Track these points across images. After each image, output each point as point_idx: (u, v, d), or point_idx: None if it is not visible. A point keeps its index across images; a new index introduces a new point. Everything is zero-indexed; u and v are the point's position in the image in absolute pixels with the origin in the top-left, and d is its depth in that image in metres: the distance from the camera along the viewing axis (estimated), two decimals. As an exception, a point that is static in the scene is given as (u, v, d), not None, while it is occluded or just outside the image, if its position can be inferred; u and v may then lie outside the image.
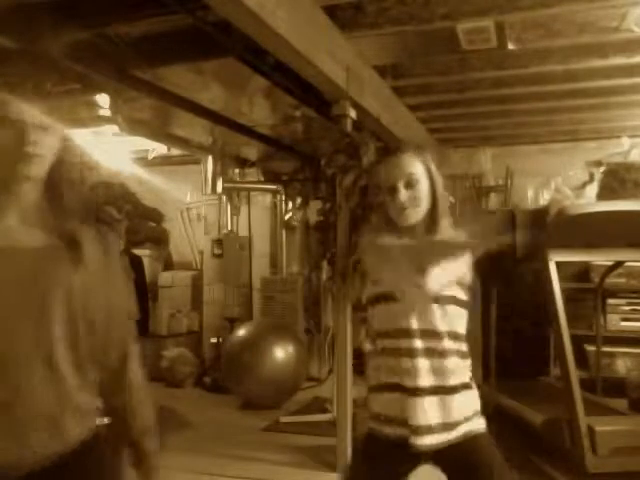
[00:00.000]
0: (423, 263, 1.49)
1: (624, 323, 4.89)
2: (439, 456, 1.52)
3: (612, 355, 4.70)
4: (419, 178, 1.58)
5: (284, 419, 4.36)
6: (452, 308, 1.55)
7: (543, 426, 3.34)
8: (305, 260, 6.02)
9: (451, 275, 1.54)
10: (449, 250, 1.56)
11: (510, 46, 3.38)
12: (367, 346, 1.65)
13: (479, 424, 1.57)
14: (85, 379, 1.17)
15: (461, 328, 1.59)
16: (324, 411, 4.31)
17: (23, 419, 1.07)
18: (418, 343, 1.52)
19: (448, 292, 1.54)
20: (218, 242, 6.14)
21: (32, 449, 1.07)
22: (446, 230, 1.59)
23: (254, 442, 3.89)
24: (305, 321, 5.78)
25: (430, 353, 1.52)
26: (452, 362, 1.54)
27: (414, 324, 1.53)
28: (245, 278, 6.26)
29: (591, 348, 4.45)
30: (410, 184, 1.57)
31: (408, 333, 1.53)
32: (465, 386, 1.57)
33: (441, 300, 1.53)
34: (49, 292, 1.10)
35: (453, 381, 1.53)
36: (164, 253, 6.55)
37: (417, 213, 1.58)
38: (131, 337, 1.29)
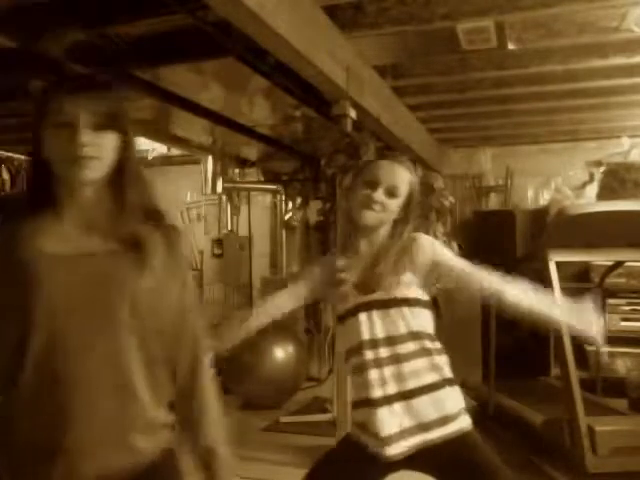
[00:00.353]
0: (375, 270, 1.54)
1: (624, 323, 4.89)
2: (420, 458, 1.50)
3: (612, 355, 4.70)
4: (400, 193, 1.61)
5: (284, 419, 4.36)
6: (410, 310, 1.55)
7: (543, 426, 3.34)
8: (305, 260, 6.02)
9: (406, 276, 1.55)
10: (398, 254, 1.57)
11: (510, 46, 3.38)
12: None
13: (464, 422, 1.55)
14: (157, 392, 1.12)
15: (424, 328, 1.57)
16: (324, 411, 4.31)
17: (93, 436, 1.03)
18: (380, 352, 1.52)
19: (405, 294, 1.55)
20: (218, 242, 6.14)
21: (101, 466, 1.04)
22: (403, 235, 1.62)
23: (254, 442, 3.89)
24: (305, 321, 5.78)
25: (393, 359, 1.52)
26: (418, 363, 1.53)
27: (373, 334, 1.53)
28: (245, 278, 6.26)
29: (591, 348, 4.45)
30: (390, 193, 1.59)
31: (370, 344, 1.53)
32: (439, 385, 1.54)
33: (399, 303, 1.54)
34: (116, 301, 1.06)
35: (422, 381, 1.52)
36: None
37: (377, 219, 1.60)
38: (202, 339, 1.23)
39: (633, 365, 4.69)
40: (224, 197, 6.30)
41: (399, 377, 1.51)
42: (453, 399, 1.56)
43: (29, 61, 3.02)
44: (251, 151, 5.96)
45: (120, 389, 1.06)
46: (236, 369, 4.66)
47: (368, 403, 1.52)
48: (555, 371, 4.36)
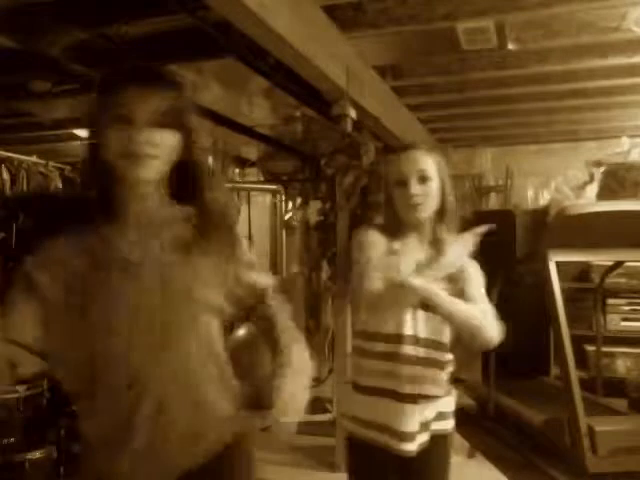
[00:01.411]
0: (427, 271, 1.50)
1: (624, 323, 4.89)
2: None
3: (612, 355, 4.70)
4: (431, 175, 1.56)
5: (284, 419, 4.36)
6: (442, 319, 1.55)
7: (543, 426, 3.34)
8: (305, 260, 6.02)
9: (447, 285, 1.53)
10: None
11: (510, 46, 3.38)
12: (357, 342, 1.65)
13: (449, 425, 1.61)
14: (226, 389, 1.16)
15: (446, 337, 1.59)
16: (324, 411, 4.31)
17: (165, 433, 1.05)
18: (418, 351, 1.53)
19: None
20: (218, 242, 6.13)
21: (171, 462, 1.06)
22: (451, 235, 1.58)
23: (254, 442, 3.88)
24: (305, 321, 5.78)
25: (427, 362, 1.54)
26: (445, 372, 1.58)
27: (416, 331, 1.53)
28: (245, 278, 6.25)
29: (591, 348, 4.45)
30: (422, 180, 1.55)
31: (409, 340, 1.53)
32: (448, 392, 1.61)
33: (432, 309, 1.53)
34: (187, 302, 1.06)
35: (439, 390, 1.56)
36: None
37: (426, 209, 1.56)
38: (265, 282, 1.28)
39: (633, 365, 4.69)
40: (224, 197, 6.30)
41: (425, 379, 1.53)
42: (451, 404, 1.62)
43: (29, 61, 3.02)
44: (251, 151, 5.96)
45: (192, 390, 1.08)
46: (236, 369, 4.66)
47: (390, 394, 1.53)
48: (555, 371, 4.36)
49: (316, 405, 4.66)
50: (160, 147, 1.02)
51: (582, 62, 3.68)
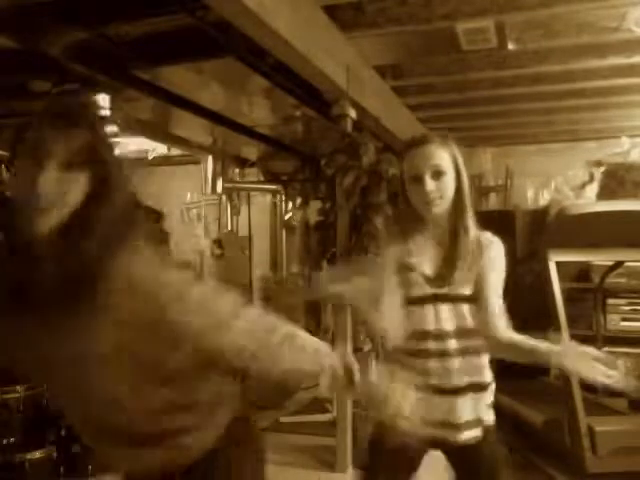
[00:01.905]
0: (449, 265, 1.53)
1: (624, 323, 4.89)
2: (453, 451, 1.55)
3: (612, 355, 4.70)
4: (446, 170, 1.55)
5: (284, 419, 4.36)
6: (468, 307, 1.55)
7: (543, 426, 3.34)
8: (305, 260, 6.02)
9: (472, 274, 1.55)
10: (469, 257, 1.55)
11: (510, 46, 3.38)
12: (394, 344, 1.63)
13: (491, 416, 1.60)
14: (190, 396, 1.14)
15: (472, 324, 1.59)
16: (324, 411, 4.31)
17: (137, 441, 1.08)
18: (449, 344, 1.52)
19: (468, 293, 1.55)
20: (218, 242, 6.14)
21: (149, 465, 1.10)
22: (472, 228, 1.58)
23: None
24: (305, 321, 5.77)
25: (459, 352, 1.53)
26: (483, 359, 1.57)
27: (441, 325, 1.53)
28: (245, 278, 6.25)
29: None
30: (437, 175, 1.54)
31: (436, 335, 1.53)
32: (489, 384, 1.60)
33: (467, 300, 1.54)
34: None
35: (485, 378, 1.57)
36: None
37: (442, 204, 1.55)
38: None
39: (633, 365, 4.69)
40: (224, 197, 6.30)
41: (465, 370, 1.53)
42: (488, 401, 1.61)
43: (29, 61, 3.02)
44: (251, 151, 5.96)
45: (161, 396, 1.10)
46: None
47: (434, 389, 1.53)
48: (555, 371, 4.35)
49: (316, 405, 4.67)
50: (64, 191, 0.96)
51: (582, 62, 3.68)
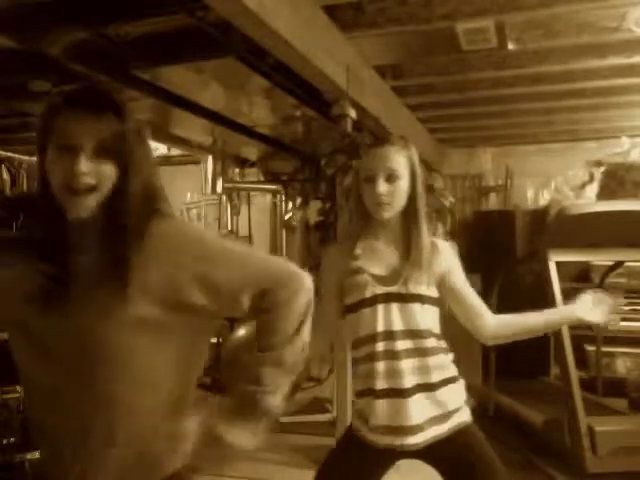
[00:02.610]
0: (398, 264, 1.54)
1: (624, 323, 4.89)
2: (428, 451, 1.52)
3: (612, 355, 4.70)
4: (400, 174, 1.55)
5: (284, 419, 4.36)
6: (430, 307, 1.55)
7: (543, 426, 3.34)
8: (305, 260, 6.02)
9: (425, 274, 1.55)
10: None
11: (510, 46, 3.39)
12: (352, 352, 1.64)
13: (466, 415, 1.58)
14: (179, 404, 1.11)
15: (433, 326, 1.58)
16: (324, 411, 4.31)
17: (119, 454, 1.04)
18: (397, 344, 1.51)
19: (426, 292, 1.55)
20: (218, 242, 6.13)
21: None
22: (425, 232, 1.58)
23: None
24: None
25: (410, 352, 1.51)
26: (437, 359, 1.54)
27: (390, 326, 1.52)
28: (245, 278, 6.25)
29: (591, 348, 4.45)
30: (390, 178, 1.54)
31: (385, 336, 1.52)
32: (451, 380, 1.57)
33: (421, 300, 1.54)
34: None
35: (437, 377, 1.54)
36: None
37: (392, 208, 1.55)
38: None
39: (633, 365, 4.69)
40: (224, 197, 6.30)
41: (420, 370, 1.52)
42: (460, 393, 1.59)
43: (29, 61, 3.02)
44: (251, 151, 5.96)
45: (116, 423, 1.07)
46: (236, 369, 4.66)
47: (372, 394, 1.52)
48: (555, 371, 4.36)
49: (316, 405, 4.67)
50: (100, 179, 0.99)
51: (582, 62, 3.69)
